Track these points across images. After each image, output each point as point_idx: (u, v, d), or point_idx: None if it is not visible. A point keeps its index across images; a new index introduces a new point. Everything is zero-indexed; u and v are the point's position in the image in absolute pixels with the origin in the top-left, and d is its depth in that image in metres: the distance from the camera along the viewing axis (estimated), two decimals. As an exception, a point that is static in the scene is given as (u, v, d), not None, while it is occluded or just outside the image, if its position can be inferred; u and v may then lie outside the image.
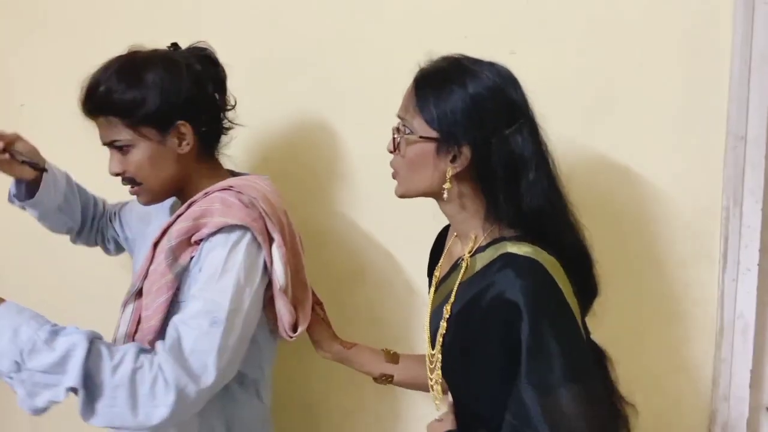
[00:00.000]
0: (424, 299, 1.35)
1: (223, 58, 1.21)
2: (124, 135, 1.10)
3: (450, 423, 1.08)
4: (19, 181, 1.27)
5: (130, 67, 1.10)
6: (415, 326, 1.50)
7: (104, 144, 1.13)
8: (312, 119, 1.49)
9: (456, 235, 1.12)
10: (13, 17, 1.69)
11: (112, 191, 1.33)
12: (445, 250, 1.16)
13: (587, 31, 1.35)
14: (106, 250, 1.48)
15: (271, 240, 1.11)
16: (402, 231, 1.47)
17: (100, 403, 0.96)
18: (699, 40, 1.31)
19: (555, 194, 1.01)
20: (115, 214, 1.43)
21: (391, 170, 1.07)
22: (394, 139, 1.04)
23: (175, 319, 1.03)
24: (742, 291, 1.32)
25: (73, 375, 0.94)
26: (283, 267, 1.11)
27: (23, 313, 0.97)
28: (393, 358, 1.29)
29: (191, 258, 1.08)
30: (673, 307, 1.38)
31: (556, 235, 1.00)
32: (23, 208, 1.31)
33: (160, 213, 1.29)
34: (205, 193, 1.13)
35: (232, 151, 1.27)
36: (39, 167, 1.24)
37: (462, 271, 1.03)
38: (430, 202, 1.08)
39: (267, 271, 1.11)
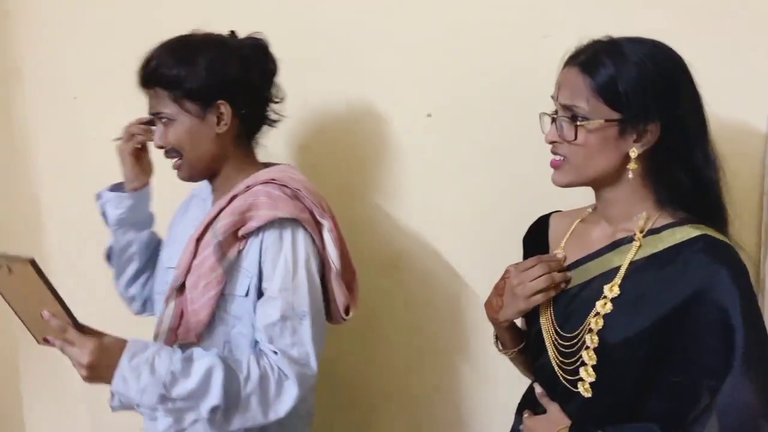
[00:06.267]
0: (464, 285, 1.45)
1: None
2: (169, 108, 1.14)
3: (561, 418, 1.01)
4: (118, 186, 1.30)
5: (183, 45, 1.16)
6: (451, 312, 1.51)
7: (150, 114, 1.18)
8: (348, 109, 1.51)
9: (582, 220, 1.10)
10: (67, 12, 1.74)
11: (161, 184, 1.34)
12: (568, 235, 1.11)
13: (617, 12, 1.29)
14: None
15: (319, 226, 1.15)
16: (437, 221, 1.49)
17: (236, 412, 1.05)
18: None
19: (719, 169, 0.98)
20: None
21: (555, 158, 1.00)
22: (561, 127, 0.97)
23: (268, 321, 1.09)
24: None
25: (215, 395, 1.03)
26: (336, 251, 1.15)
27: (150, 347, 1.04)
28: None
29: (239, 252, 1.13)
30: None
31: (723, 212, 0.99)
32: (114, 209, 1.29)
33: (199, 203, 1.29)
34: (247, 187, 1.15)
35: (270, 141, 1.29)
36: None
37: (634, 250, 0.99)
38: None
39: (320, 258, 1.16)
